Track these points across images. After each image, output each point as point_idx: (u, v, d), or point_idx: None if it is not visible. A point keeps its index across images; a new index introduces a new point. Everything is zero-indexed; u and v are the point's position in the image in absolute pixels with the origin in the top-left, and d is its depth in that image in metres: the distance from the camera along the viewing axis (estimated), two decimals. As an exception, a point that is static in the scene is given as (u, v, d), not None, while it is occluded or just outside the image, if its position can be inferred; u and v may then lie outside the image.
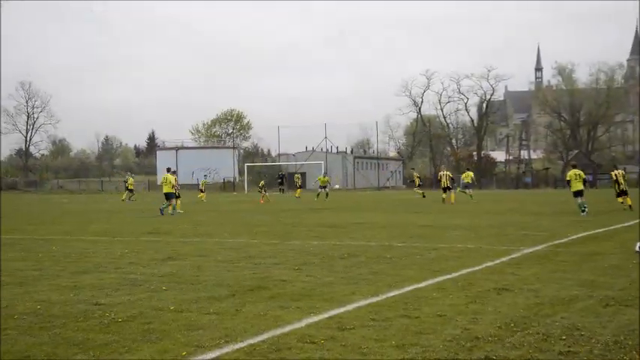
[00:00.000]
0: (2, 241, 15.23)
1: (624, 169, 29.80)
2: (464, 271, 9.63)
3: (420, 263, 10.59)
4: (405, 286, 8.44)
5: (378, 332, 6.01)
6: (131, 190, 45.31)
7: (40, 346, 5.71)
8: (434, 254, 11.78)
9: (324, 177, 45.74)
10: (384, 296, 7.74)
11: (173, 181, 25.96)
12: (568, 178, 22.95)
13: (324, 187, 43.93)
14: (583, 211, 21.43)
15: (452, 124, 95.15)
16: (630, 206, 23.61)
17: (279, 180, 57.41)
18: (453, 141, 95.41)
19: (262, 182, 42.91)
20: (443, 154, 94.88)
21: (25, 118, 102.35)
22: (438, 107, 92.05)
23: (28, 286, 8.83)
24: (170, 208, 25.87)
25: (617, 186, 24.71)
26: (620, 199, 24.56)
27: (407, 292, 7.99)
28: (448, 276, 9.22)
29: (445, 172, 33.25)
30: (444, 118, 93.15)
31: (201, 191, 44.06)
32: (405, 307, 7.10)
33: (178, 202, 27.21)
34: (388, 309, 7.00)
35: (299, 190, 49.06)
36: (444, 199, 32.27)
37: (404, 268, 10.11)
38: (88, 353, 5.48)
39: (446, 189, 32.52)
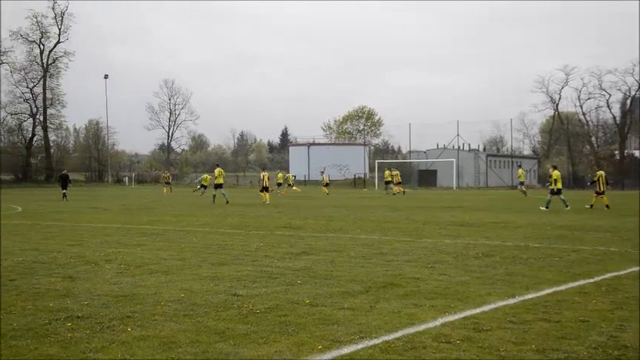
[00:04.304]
0: (149, 232, 16.18)
1: None
2: (607, 276, 9.17)
3: (559, 265, 10.18)
4: (544, 288, 8.16)
5: (516, 335, 5.83)
6: (327, 185, 48.97)
7: (185, 333, 6.00)
8: (574, 256, 11.29)
9: (392, 170, 45.59)
10: (521, 298, 7.52)
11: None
12: (555, 178, 26.13)
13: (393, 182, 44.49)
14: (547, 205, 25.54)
15: (592, 122, 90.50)
16: (607, 205, 25.76)
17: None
18: (593, 139, 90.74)
19: (290, 176, 50.55)
20: (582, 152, 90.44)
21: (168, 114, 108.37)
22: (577, 104, 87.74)
23: (172, 275, 9.32)
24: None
25: (599, 186, 27.06)
26: (597, 198, 26.95)
27: (546, 295, 7.72)
28: (590, 280, 8.82)
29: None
30: (584, 115, 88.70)
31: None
32: (545, 310, 6.85)
33: (267, 195, 33.02)
34: (527, 312, 6.78)
35: (325, 187, 48.58)
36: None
37: (541, 269, 9.76)
38: (229, 342, 5.70)
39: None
